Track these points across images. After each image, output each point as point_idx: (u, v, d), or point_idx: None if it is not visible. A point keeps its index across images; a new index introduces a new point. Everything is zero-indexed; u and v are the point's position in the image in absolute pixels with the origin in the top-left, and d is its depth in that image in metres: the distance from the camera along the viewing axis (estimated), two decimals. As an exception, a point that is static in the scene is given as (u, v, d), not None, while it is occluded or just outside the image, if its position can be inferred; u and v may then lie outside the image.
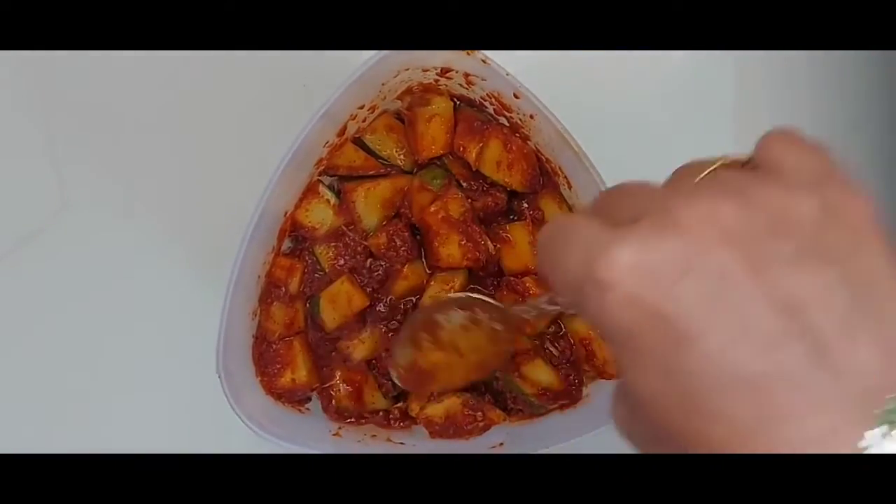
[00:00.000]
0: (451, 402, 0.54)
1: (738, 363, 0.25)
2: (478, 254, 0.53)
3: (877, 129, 0.62)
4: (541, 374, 0.54)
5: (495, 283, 0.55)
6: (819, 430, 0.25)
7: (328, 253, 0.54)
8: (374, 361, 0.55)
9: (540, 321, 0.54)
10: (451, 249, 0.52)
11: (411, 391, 0.54)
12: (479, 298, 0.45)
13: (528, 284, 0.53)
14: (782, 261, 0.26)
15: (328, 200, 0.54)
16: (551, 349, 0.55)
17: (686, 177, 0.29)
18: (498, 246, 0.54)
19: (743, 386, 0.25)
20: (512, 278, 0.54)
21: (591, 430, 0.50)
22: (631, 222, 0.27)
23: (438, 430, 0.54)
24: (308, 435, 0.53)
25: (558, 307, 0.40)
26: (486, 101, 0.52)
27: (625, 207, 0.28)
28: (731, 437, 0.26)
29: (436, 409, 0.54)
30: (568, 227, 0.29)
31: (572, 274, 0.27)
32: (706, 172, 0.29)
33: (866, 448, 0.24)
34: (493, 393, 0.55)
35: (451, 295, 0.51)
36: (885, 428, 0.24)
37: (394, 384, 0.51)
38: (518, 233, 0.54)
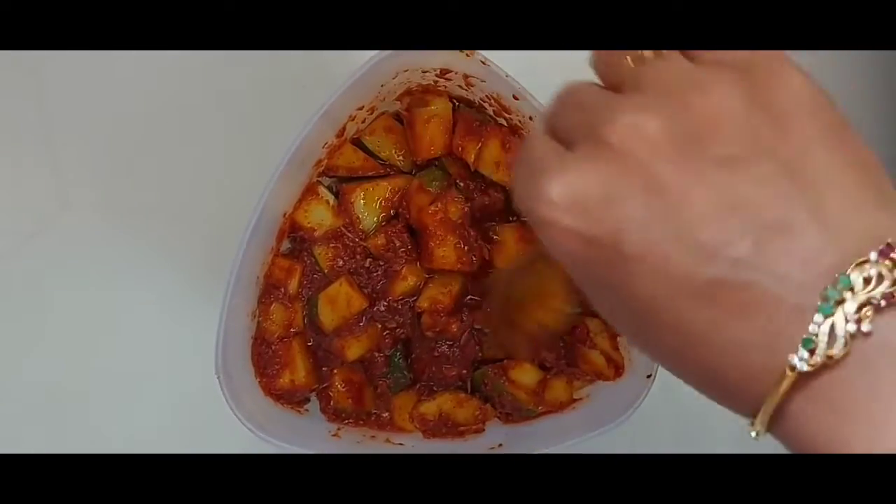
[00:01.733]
0: (444, 399, 0.54)
1: (681, 275, 0.25)
2: (472, 257, 0.53)
3: (877, 130, 0.62)
4: (528, 377, 0.54)
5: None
6: (767, 325, 0.25)
7: (327, 254, 0.54)
8: (366, 362, 0.55)
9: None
10: (446, 251, 0.52)
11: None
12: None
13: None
14: (713, 163, 0.26)
15: (327, 201, 0.54)
16: (545, 353, 0.54)
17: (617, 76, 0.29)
18: (489, 247, 0.54)
19: (688, 295, 0.26)
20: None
21: (590, 431, 0.49)
22: (568, 146, 0.28)
23: (432, 427, 0.54)
24: (307, 436, 0.53)
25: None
26: (485, 102, 0.52)
27: (567, 124, 0.29)
28: (682, 345, 0.26)
29: (428, 408, 0.54)
30: (523, 152, 0.29)
31: (522, 208, 0.28)
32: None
33: (815, 335, 0.24)
34: (483, 397, 0.55)
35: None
36: (829, 307, 0.24)
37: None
38: (508, 235, 0.54)
